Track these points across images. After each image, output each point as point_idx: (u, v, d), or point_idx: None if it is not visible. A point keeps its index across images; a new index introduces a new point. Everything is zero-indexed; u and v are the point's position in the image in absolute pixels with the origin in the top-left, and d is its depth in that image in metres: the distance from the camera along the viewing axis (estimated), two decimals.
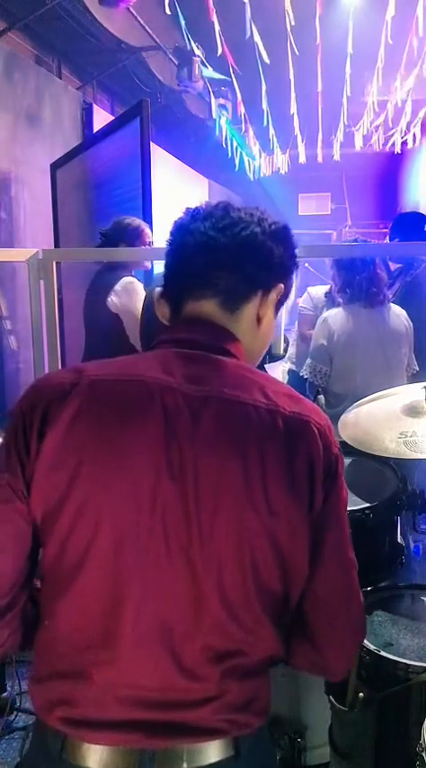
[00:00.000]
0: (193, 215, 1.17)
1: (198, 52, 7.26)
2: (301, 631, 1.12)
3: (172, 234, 1.18)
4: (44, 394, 1.03)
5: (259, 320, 1.17)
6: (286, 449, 1.03)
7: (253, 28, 5.88)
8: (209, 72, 6.30)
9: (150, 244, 3.38)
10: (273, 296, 1.17)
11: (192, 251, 1.13)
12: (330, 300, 3.59)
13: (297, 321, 4.10)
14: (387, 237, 4.16)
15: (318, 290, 4.02)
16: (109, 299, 3.24)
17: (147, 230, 3.38)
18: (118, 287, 3.25)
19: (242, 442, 1.01)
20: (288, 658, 1.15)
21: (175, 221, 1.19)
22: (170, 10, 5.30)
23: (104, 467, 1.00)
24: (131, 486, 0.99)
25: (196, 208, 1.19)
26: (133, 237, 3.32)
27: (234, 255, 1.13)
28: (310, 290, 4.12)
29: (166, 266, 1.19)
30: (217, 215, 1.16)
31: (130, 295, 3.24)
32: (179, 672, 1.01)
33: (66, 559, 1.01)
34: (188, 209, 1.19)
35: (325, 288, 3.93)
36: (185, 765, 1.03)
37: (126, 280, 3.27)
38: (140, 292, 3.25)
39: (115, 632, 1.00)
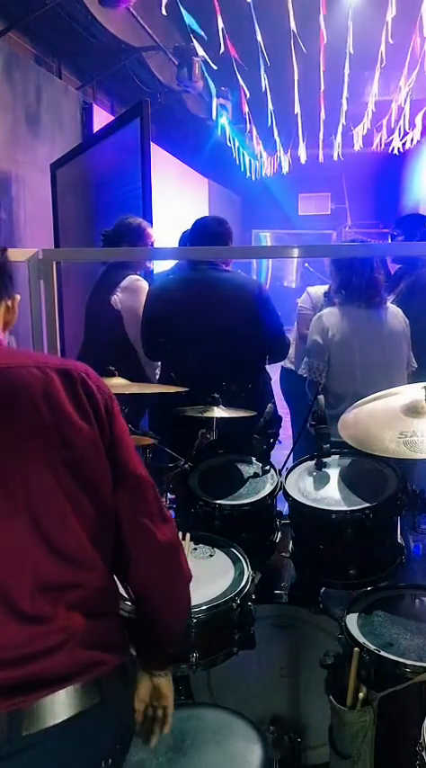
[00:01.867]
0: None
1: (199, 47, 7.23)
2: (126, 555, 1.25)
3: None
4: None
5: None
6: (67, 394, 1.17)
7: (257, 28, 5.88)
8: (194, 25, 6.10)
9: (152, 243, 3.37)
10: None
11: None
12: (329, 300, 3.60)
13: (296, 321, 4.10)
14: (390, 237, 4.17)
15: (317, 290, 4.02)
16: (113, 297, 3.23)
17: (150, 230, 3.37)
18: (123, 284, 3.24)
19: (27, 399, 1.14)
20: (131, 587, 1.28)
21: None
22: (166, 11, 5.28)
23: None
24: None
25: None
26: (135, 237, 3.30)
27: None
28: (309, 290, 4.12)
29: None
30: None
31: (136, 293, 3.23)
32: (24, 622, 1.09)
33: None
34: None
35: (325, 288, 3.93)
36: (52, 721, 1.07)
37: (132, 278, 3.25)
38: (145, 291, 3.24)
39: None
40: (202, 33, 5.96)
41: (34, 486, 1.12)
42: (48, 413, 1.15)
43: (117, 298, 3.22)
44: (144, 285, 3.27)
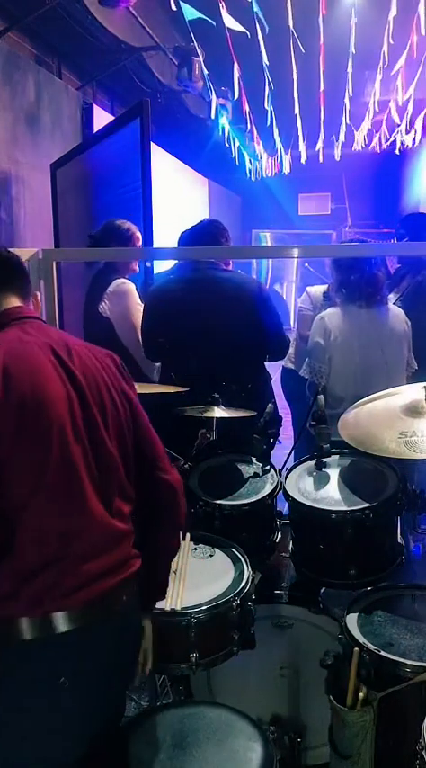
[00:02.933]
0: None
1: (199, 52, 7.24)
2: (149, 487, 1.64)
3: None
4: None
5: None
6: (120, 374, 1.61)
7: (257, 27, 5.86)
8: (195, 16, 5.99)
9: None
10: None
11: None
12: (328, 300, 3.60)
13: (296, 321, 4.09)
14: (396, 236, 4.16)
15: (317, 290, 4.02)
16: (101, 305, 3.20)
17: (138, 233, 3.35)
18: (109, 290, 3.21)
19: (102, 370, 1.54)
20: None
21: None
22: (169, 8, 5.26)
23: None
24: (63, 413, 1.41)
25: None
26: (123, 241, 3.28)
27: None
28: (309, 290, 4.11)
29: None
30: None
31: (122, 297, 3.21)
32: (118, 519, 1.46)
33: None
34: None
35: (324, 287, 3.94)
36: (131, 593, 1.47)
37: (117, 282, 3.22)
38: (132, 293, 3.22)
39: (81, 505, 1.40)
40: (209, 19, 5.85)
41: (121, 435, 1.53)
42: (114, 382, 1.56)
43: (104, 305, 3.20)
44: (129, 288, 3.24)
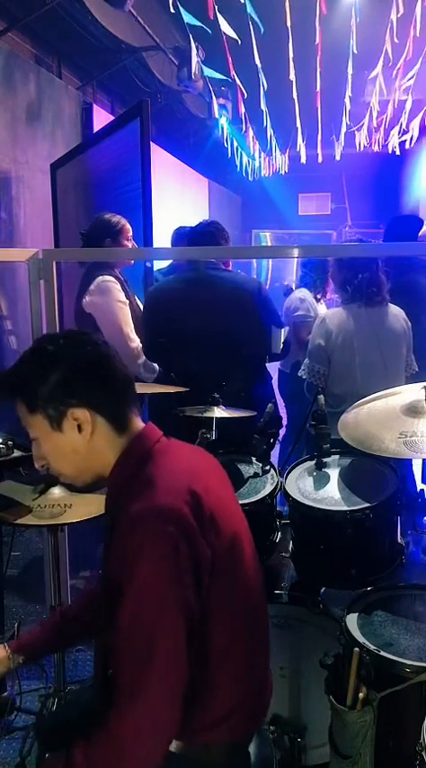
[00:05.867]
0: None
1: (195, 52, 7.25)
2: None
3: None
4: None
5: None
6: None
7: (251, 27, 5.87)
8: (210, 72, 6.21)
9: (130, 237, 3.37)
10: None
11: None
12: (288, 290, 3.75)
13: (293, 326, 4.09)
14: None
15: (304, 294, 4.12)
16: (83, 300, 3.22)
17: (127, 225, 3.36)
18: (91, 287, 3.22)
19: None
20: None
21: None
22: (168, 10, 5.27)
23: None
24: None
25: None
26: (113, 233, 3.29)
27: None
28: (297, 296, 4.19)
29: None
30: None
31: (103, 293, 3.20)
32: None
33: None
34: None
35: (303, 291, 4.13)
36: None
37: (99, 279, 3.22)
38: (112, 290, 3.22)
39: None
40: (204, 26, 5.89)
41: None
42: None
43: (85, 302, 3.22)
44: (110, 285, 3.22)
